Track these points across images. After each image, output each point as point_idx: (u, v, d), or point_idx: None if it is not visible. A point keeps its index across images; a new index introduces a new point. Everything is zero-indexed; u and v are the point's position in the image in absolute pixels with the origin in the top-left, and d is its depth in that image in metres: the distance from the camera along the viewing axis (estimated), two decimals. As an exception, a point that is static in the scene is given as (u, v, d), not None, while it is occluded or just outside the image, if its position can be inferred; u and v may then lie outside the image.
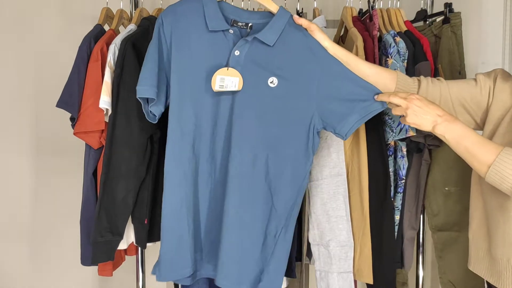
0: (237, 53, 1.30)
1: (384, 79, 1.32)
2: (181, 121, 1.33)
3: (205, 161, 1.34)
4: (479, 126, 1.33)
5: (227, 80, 1.28)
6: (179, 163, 1.34)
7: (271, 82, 1.29)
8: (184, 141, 1.34)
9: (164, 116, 1.69)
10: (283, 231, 1.33)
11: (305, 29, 1.32)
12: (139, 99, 1.35)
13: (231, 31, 1.31)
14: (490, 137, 1.26)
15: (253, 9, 1.73)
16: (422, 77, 1.36)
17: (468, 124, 1.33)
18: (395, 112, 1.23)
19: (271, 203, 1.32)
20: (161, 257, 1.36)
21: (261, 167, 1.31)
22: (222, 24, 1.30)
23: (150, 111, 1.37)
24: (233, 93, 1.30)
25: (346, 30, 1.67)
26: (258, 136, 1.30)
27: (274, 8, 1.34)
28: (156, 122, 1.41)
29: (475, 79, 1.32)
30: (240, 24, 1.33)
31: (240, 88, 1.29)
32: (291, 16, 1.33)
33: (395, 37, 1.56)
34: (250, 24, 1.34)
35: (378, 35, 1.60)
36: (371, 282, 1.47)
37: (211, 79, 1.29)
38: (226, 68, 1.29)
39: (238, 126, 1.30)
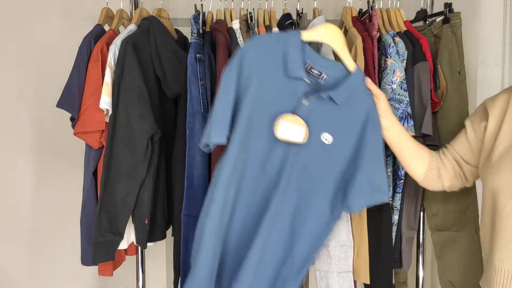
0: (305, 103, 1.27)
1: (423, 152, 1.40)
2: (241, 153, 1.28)
3: (246, 193, 1.30)
4: None
5: (292, 128, 1.25)
6: (227, 191, 1.28)
7: (325, 139, 1.28)
8: (236, 173, 1.28)
9: (165, 116, 1.69)
10: (294, 277, 1.32)
11: (372, 95, 1.31)
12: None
13: (307, 80, 1.28)
14: (491, 145, 1.27)
15: (253, 9, 1.73)
16: (440, 151, 1.42)
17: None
18: None
19: (291, 250, 1.31)
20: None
21: (289, 213, 1.30)
22: (301, 72, 1.28)
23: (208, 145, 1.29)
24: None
25: (346, 30, 1.67)
26: (298, 184, 1.29)
27: (352, 67, 1.31)
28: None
29: (464, 127, 1.38)
30: (314, 71, 1.31)
31: (305, 141, 1.26)
32: (364, 77, 1.32)
33: (394, 37, 1.56)
34: (323, 76, 1.31)
35: (377, 35, 1.61)
36: (368, 282, 1.48)
37: (273, 122, 1.27)
38: (292, 114, 1.26)
39: (287, 174, 1.28)
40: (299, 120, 1.25)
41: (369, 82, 1.32)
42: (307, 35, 1.31)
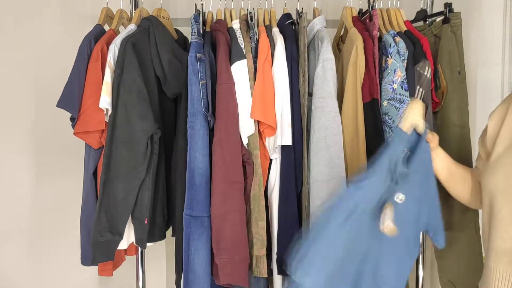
0: (396, 187, 1.28)
1: (466, 175, 1.41)
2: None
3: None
4: None
5: (388, 212, 1.26)
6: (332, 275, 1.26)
7: (400, 199, 1.28)
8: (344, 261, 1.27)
9: (164, 116, 1.69)
10: None
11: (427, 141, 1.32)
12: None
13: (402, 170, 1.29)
14: (491, 147, 1.28)
15: (253, 9, 1.73)
16: (474, 167, 1.42)
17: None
18: None
19: None
20: None
21: (371, 267, 1.30)
22: (404, 169, 1.29)
23: None
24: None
25: (346, 30, 1.67)
26: (381, 244, 1.30)
27: (421, 127, 1.30)
28: None
29: (479, 153, 1.38)
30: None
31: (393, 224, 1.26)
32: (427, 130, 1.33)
33: (395, 37, 1.56)
34: (406, 151, 1.31)
35: (378, 35, 1.61)
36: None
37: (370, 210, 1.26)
38: (391, 203, 1.27)
39: (375, 242, 1.28)
40: (389, 205, 1.26)
41: (429, 136, 1.33)
42: (406, 126, 1.29)
